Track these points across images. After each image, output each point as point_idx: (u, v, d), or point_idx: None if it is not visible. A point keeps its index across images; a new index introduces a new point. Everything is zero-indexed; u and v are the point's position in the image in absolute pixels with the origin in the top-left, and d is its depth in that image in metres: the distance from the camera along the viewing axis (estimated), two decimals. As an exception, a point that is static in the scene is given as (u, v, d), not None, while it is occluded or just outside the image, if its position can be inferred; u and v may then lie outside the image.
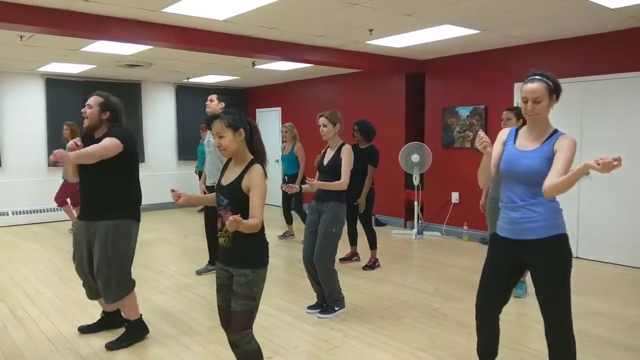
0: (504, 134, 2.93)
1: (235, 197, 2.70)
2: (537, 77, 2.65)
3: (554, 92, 2.65)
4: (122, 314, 4.03)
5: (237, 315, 2.71)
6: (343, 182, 4.38)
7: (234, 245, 2.73)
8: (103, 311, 4.11)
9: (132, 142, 3.76)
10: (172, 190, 2.91)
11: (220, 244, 2.81)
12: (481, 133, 2.72)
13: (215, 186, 2.93)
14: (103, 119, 3.73)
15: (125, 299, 3.82)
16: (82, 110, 3.79)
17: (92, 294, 3.91)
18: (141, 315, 3.98)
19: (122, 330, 4.02)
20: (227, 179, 2.80)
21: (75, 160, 3.41)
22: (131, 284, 3.84)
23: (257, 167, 2.71)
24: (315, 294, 4.64)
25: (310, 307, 4.63)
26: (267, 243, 2.83)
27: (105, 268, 3.66)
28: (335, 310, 4.45)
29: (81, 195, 3.84)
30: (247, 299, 2.70)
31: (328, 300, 4.49)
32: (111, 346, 3.78)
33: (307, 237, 4.56)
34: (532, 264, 2.77)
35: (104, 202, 3.67)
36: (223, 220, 2.73)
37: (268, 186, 2.76)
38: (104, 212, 3.65)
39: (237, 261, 2.73)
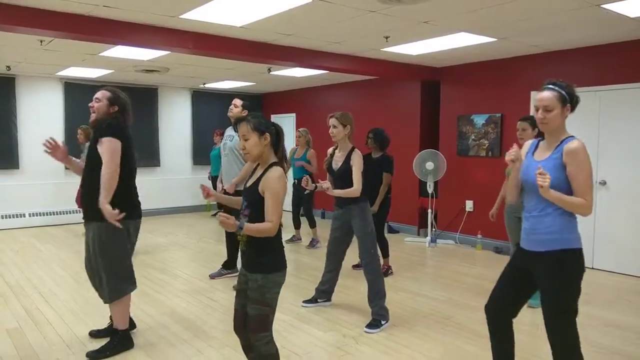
0: (525, 146, 2.92)
1: (252, 200, 2.71)
2: (551, 85, 2.64)
3: (568, 101, 2.62)
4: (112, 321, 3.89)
5: (251, 318, 2.74)
6: (355, 190, 4.35)
7: (247, 249, 2.74)
8: (111, 317, 3.97)
9: (121, 134, 3.61)
10: (202, 186, 2.94)
11: (240, 248, 2.82)
12: (514, 146, 2.74)
13: (242, 189, 2.95)
14: (111, 113, 3.68)
15: (117, 304, 3.73)
16: (90, 104, 3.73)
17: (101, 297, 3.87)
18: (128, 328, 3.87)
19: (135, 333, 4.05)
20: (250, 182, 2.82)
21: (108, 195, 3.41)
22: (125, 286, 3.74)
23: (274, 169, 2.70)
24: (315, 289, 4.90)
25: (305, 302, 4.90)
26: (282, 248, 2.82)
27: (99, 268, 3.65)
28: (383, 324, 4.36)
29: (81, 195, 3.81)
30: (258, 304, 2.71)
31: (374, 310, 4.40)
32: (93, 355, 3.67)
33: (331, 239, 4.74)
34: (536, 277, 2.73)
35: (93, 202, 3.56)
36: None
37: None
38: (98, 212, 3.56)
39: (250, 266, 2.76)
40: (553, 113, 2.61)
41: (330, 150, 4.68)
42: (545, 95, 2.62)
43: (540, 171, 2.51)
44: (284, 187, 2.69)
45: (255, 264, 2.72)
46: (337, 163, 4.54)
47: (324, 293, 4.92)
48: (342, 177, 4.44)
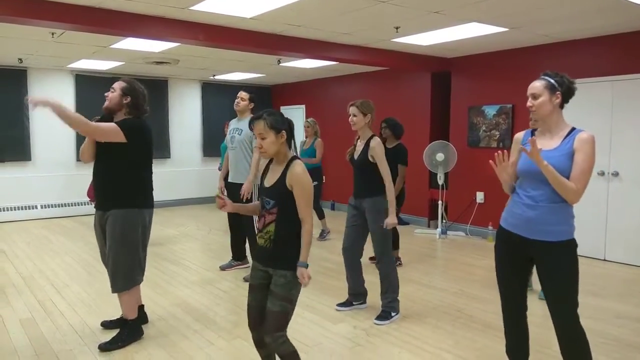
0: (519, 137, 2.92)
1: (280, 197, 2.69)
2: (542, 76, 2.75)
3: (557, 90, 2.67)
4: (122, 311, 3.92)
5: (272, 315, 2.69)
6: (390, 184, 4.22)
7: (274, 247, 2.71)
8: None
9: (140, 135, 3.71)
10: (219, 197, 2.84)
11: (259, 245, 2.79)
12: (499, 153, 2.79)
13: (258, 188, 2.92)
14: (123, 103, 3.73)
15: (125, 294, 3.77)
16: (106, 93, 3.78)
17: None
18: (138, 317, 3.90)
19: (147, 324, 4.08)
20: (270, 180, 2.77)
21: (59, 112, 3.45)
22: (135, 277, 3.78)
23: (297, 164, 2.69)
24: (346, 290, 4.65)
25: (340, 305, 4.63)
26: None
27: (112, 257, 3.67)
28: (392, 317, 4.33)
29: (94, 184, 3.85)
30: (283, 300, 2.68)
31: (384, 303, 4.37)
32: (105, 347, 3.69)
33: (347, 230, 4.52)
34: (542, 265, 2.76)
35: (113, 191, 3.66)
36: (265, 221, 2.74)
37: None
38: (113, 201, 3.64)
39: (277, 262, 2.71)
40: (539, 100, 2.70)
41: (354, 143, 4.57)
42: (533, 84, 2.75)
43: (532, 140, 2.57)
44: (310, 180, 2.71)
45: (284, 261, 2.68)
46: (357, 152, 4.43)
47: (357, 296, 4.65)
48: (361, 167, 4.35)
